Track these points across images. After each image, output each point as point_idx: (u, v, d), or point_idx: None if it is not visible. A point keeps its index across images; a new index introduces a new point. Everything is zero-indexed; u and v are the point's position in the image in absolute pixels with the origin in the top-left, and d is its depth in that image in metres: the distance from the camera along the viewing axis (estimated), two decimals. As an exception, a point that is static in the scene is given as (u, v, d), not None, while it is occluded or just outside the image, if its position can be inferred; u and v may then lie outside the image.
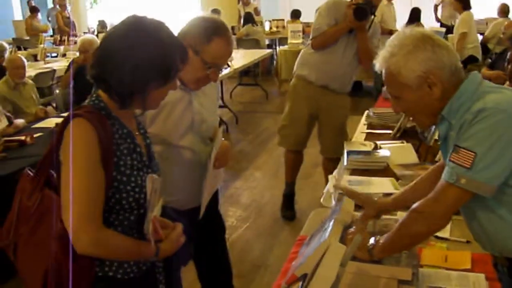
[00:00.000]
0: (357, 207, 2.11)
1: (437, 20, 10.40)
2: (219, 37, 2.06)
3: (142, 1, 17.20)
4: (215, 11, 11.06)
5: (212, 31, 2.05)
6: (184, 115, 2.15)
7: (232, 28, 12.15)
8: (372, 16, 4.03)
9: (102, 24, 13.07)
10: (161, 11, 17.61)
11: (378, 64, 1.66)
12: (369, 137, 3.59)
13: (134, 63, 1.51)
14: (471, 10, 7.04)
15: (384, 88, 5.11)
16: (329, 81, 4.13)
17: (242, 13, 12.36)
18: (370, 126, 3.88)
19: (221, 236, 2.63)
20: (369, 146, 3.29)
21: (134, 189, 1.58)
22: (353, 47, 4.03)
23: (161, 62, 1.54)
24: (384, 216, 2.07)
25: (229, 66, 2.16)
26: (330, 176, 2.81)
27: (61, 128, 1.53)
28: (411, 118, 1.72)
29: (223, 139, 2.29)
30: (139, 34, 1.53)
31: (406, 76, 1.58)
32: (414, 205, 1.62)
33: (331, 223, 1.79)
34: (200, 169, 2.18)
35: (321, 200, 2.60)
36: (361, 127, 3.91)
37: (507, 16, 9.06)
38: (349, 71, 4.18)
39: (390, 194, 2.37)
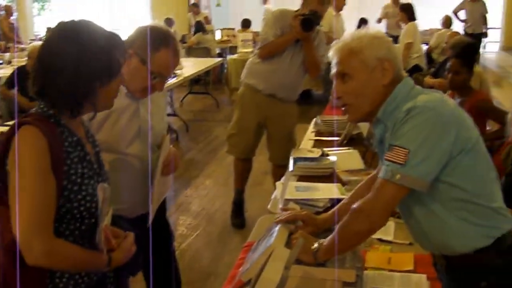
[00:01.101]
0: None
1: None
2: (166, 48, 2.06)
3: (90, 8, 16.96)
4: (168, 20, 11.05)
5: (159, 41, 2.05)
6: (131, 123, 2.14)
7: (183, 36, 12.12)
8: (318, 26, 4.11)
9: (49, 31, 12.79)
10: (110, 19, 17.46)
11: (336, 47, 1.70)
12: (317, 144, 3.65)
13: (72, 69, 1.48)
14: (416, 21, 7.24)
15: (332, 97, 5.22)
16: (276, 90, 4.18)
17: (193, 22, 12.35)
18: (318, 133, 3.94)
19: (169, 244, 2.61)
20: (316, 153, 3.34)
21: (85, 198, 1.55)
22: (300, 57, 4.10)
23: (99, 60, 1.52)
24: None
25: (175, 75, 2.16)
26: (277, 183, 2.83)
27: (8, 136, 1.48)
28: (346, 105, 1.71)
29: (171, 146, 2.28)
30: (70, 38, 1.51)
31: (367, 55, 1.64)
32: (354, 205, 1.66)
33: (277, 228, 1.81)
34: (148, 176, 2.17)
35: (268, 206, 2.61)
36: (309, 135, 3.97)
37: (450, 27, 9.39)
38: (296, 80, 4.24)
39: (337, 199, 2.44)
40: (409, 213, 1.68)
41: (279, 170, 4.33)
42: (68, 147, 1.54)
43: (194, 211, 4.95)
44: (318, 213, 2.32)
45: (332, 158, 3.10)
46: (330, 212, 2.11)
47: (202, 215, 4.84)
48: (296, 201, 2.44)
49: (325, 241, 1.76)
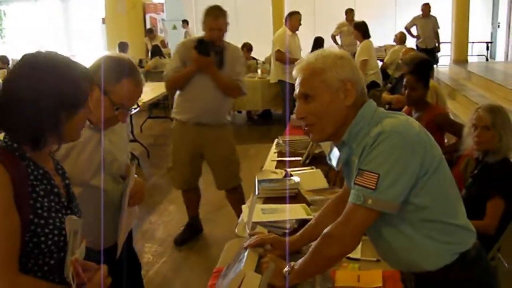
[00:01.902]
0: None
1: (339, 47, 10.85)
2: (128, 78, 2.04)
3: (45, 35, 16.76)
4: (122, 44, 11.00)
5: (121, 72, 2.02)
6: (94, 155, 2.11)
7: (140, 61, 12.06)
8: (228, 43, 4.25)
9: (3, 60, 12.52)
10: (66, 44, 17.28)
11: (299, 67, 1.72)
12: (280, 165, 3.66)
13: (33, 100, 1.45)
14: (371, 39, 7.41)
15: (293, 116, 5.26)
16: (200, 117, 4.23)
17: (150, 46, 12.29)
18: (280, 154, 3.95)
19: (138, 273, 2.57)
20: (280, 174, 3.36)
21: (53, 231, 1.51)
22: (211, 80, 4.13)
23: (63, 92, 1.49)
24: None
25: (138, 106, 2.14)
26: (243, 206, 2.83)
27: None
28: (309, 126, 1.74)
29: (136, 176, 2.26)
30: (34, 70, 1.48)
31: (330, 76, 1.66)
32: (325, 230, 1.67)
33: (246, 253, 1.80)
34: (113, 208, 2.14)
35: (236, 230, 2.60)
36: (272, 155, 3.98)
37: (404, 43, 9.65)
38: (217, 103, 4.25)
39: (304, 219, 2.45)
40: (377, 233, 1.70)
41: (231, 195, 4.52)
42: (34, 181, 1.51)
43: (160, 238, 4.88)
44: (284, 234, 2.33)
45: (296, 178, 3.11)
46: (297, 234, 2.11)
47: (168, 241, 4.77)
48: (263, 224, 2.43)
49: (296, 264, 1.76)
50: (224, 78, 4.10)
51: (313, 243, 1.75)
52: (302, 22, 7.78)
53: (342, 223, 1.63)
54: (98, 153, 2.12)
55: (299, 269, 1.74)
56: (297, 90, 1.73)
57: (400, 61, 6.10)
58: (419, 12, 11.26)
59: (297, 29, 7.68)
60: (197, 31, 16.82)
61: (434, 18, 11.03)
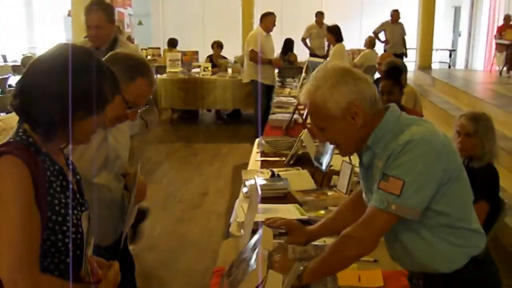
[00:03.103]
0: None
1: (309, 49, 10.96)
2: (142, 77, 2.01)
3: (8, 24, 16.33)
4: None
5: (135, 70, 1.99)
6: (99, 152, 2.08)
7: (107, 56, 11.85)
8: None
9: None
10: (28, 38, 16.85)
11: (303, 97, 1.74)
12: (264, 164, 3.68)
13: (57, 91, 1.43)
14: (343, 42, 7.51)
15: (271, 116, 5.30)
16: None
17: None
18: (263, 154, 3.96)
19: (131, 274, 2.55)
20: (266, 173, 3.38)
21: (71, 229, 1.48)
22: None
23: (87, 92, 1.46)
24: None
25: (147, 104, 2.11)
26: (236, 206, 2.83)
27: None
28: (335, 147, 1.81)
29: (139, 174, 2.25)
30: (64, 61, 1.45)
31: (332, 108, 1.67)
32: (346, 230, 1.70)
33: (256, 251, 1.81)
34: (114, 206, 2.11)
35: (230, 229, 2.61)
36: (255, 155, 3.99)
37: (373, 48, 9.84)
38: None
39: (299, 220, 2.47)
40: (394, 236, 1.74)
41: None
42: (51, 177, 1.48)
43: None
44: (281, 234, 2.35)
45: (285, 179, 3.13)
46: (316, 225, 2.12)
47: (144, 240, 4.72)
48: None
49: (311, 263, 1.77)
50: None
51: (329, 244, 1.78)
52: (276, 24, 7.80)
53: (364, 225, 1.65)
54: (103, 150, 2.09)
55: (314, 268, 1.75)
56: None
57: (377, 65, 6.20)
58: (384, 18, 11.50)
59: (271, 30, 7.71)
60: (163, 26, 16.74)
61: (402, 25, 11.28)
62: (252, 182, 3.04)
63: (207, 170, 6.61)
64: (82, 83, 1.46)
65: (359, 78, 1.70)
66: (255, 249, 1.90)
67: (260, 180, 3.10)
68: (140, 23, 15.78)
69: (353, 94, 1.67)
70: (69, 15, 13.65)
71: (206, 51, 10.74)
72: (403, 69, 4.55)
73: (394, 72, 4.36)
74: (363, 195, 1.87)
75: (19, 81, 1.49)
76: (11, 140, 1.47)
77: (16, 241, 1.34)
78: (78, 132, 1.50)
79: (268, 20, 7.59)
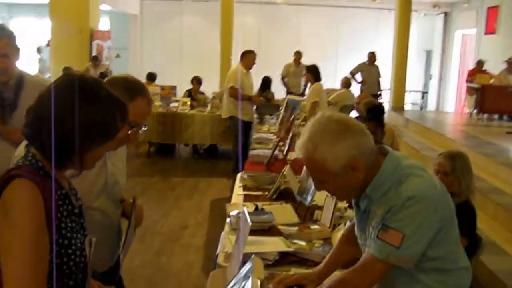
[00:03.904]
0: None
1: (286, 87, 11.17)
2: (142, 96, 2.09)
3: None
4: (68, 70, 10.83)
5: (134, 91, 2.07)
6: (98, 177, 2.12)
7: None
8: None
9: None
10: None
11: (300, 152, 1.75)
12: (247, 198, 3.74)
13: (72, 123, 1.47)
14: (321, 82, 7.70)
15: (252, 152, 5.39)
16: None
17: (92, 73, 12.07)
18: (245, 188, 4.03)
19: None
20: (250, 207, 3.44)
21: (75, 252, 1.52)
22: None
23: (100, 122, 1.51)
24: (295, 271, 2.18)
25: (146, 126, 2.17)
26: (222, 237, 2.88)
27: None
28: (333, 196, 1.89)
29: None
30: (76, 93, 1.50)
31: (332, 165, 1.68)
32: (344, 275, 1.78)
33: (249, 281, 1.86)
34: (112, 232, 2.15)
35: (217, 260, 2.65)
36: (237, 189, 4.05)
37: (349, 88, 10.10)
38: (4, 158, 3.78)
39: (285, 252, 2.55)
40: (389, 282, 1.82)
41: None
42: (58, 200, 1.52)
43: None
44: (268, 265, 2.41)
45: (269, 212, 3.20)
46: (321, 266, 2.16)
47: (123, 273, 4.69)
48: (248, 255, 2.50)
49: None
50: (11, 132, 2.79)
51: (326, 284, 1.83)
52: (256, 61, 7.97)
53: (361, 272, 1.73)
54: (102, 175, 2.14)
55: None
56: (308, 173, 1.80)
57: (354, 105, 6.37)
58: (358, 60, 11.84)
59: (251, 68, 7.88)
60: (141, 60, 16.86)
61: (377, 67, 11.62)
62: (235, 213, 3.12)
63: (185, 204, 6.64)
64: (95, 114, 1.50)
65: (356, 131, 1.71)
66: (246, 279, 1.95)
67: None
68: (117, 56, 15.85)
69: (353, 149, 1.68)
70: (48, 45, 13.68)
71: (183, 86, 10.84)
72: (383, 110, 4.71)
73: (377, 113, 4.51)
74: (356, 233, 1.95)
75: (30, 111, 1.53)
76: (21, 164, 1.52)
77: (28, 262, 1.38)
78: (89, 160, 1.55)
79: (248, 57, 7.75)
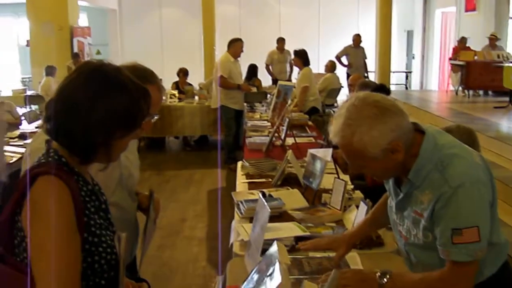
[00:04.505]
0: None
1: (271, 75, 11.12)
2: (152, 84, 2.03)
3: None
4: (50, 68, 10.68)
5: (145, 79, 2.00)
6: (113, 170, 2.06)
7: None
8: None
9: None
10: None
11: (336, 138, 1.68)
12: (252, 186, 3.71)
13: (99, 114, 1.41)
14: (310, 66, 7.67)
15: (249, 140, 5.34)
16: None
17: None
18: (248, 176, 3.99)
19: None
20: (256, 194, 3.41)
21: (106, 250, 1.46)
22: None
23: (127, 110, 1.45)
24: (317, 255, 2.17)
25: (158, 115, 2.12)
26: (236, 226, 2.85)
27: (23, 187, 1.36)
28: (372, 176, 1.84)
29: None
30: (101, 82, 1.44)
31: (372, 150, 1.63)
32: (437, 277, 1.69)
33: (276, 266, 1.84)
34: (129, 225, 2.11)
35: (233, 249, 2.62)
36: (240, 177, 4.01)
37: (334, 72, 10.08)
38: None
39: (301, 237, 2.53)
40: (430, 264, 1.77)
41: None
42: (85, 197, 1.46)
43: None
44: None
45: (278, 198, 3.18)
46: (354, 228, 2.16)
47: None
48: (266, 242, 2.47)
49: (395, 279, 1.72)
50: None
51: (420, 275, 1.76)
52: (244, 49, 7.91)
53: (454, 283, 1.65)
54: (116, 169, 2.08)
55: (400, 286, 1.72)
56: (345, 158, 1.74)
57: (349, 87, 6.33)
58: (342, 44, 11.81)
59: (239, 56, 7.81)
60: (121, 55, 16.67)
61: (363, 49, 11.61)
62: (243, 201, 3.09)
63: (182, 196, 6.59)
64: (123, 101, 1.45)
65: (394, 112, 1.64)
66: (272, 264, 1.93)
67: (254, 201, 3.14)
68: (98, 52, 15.66)
69: (392, 132, 1.62)
70: (27, 45, 13.48)
71: (166, 79, 10.72)
72: (389, 91, 4.66)
73: (384, 91, 4.48)
74: (390, 212, 1.93)
75: (51, 105, 1.45)
76: (43, 161, 1.45)
77: (62, 262, 1.32)
78: (115, 151, 1.50)
79: (236, 46, 7.69)
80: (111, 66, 1.51)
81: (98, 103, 1.42)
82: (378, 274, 1.71)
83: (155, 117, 2.07)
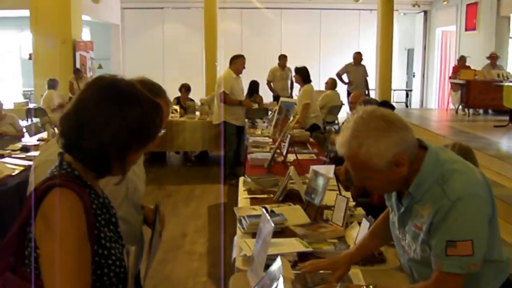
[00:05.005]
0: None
1: (272, 91, 11.16)
2: (161, 99, 2.05)
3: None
4: (52, 81, 10.73)
5: (154, 93, 2.02)
6: (120, 184, 2.09)
7: (70, 99, 11.66)
8: None
9: None
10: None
11: (342, 150, 1.72)
12: (254, 202, 3.73)
13: (114, 129, 1.43)
14: (311, 83, 7.71)
15: (251, 155, 5.37)
16: None
17: (76, 85, 11.91)
18: (250, 191, 4.01)
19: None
20: (259, 210, 3.43)
21: (115, 262, 1.48)
22: None
23: (141, 124, 1.48)
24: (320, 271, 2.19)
25: (165, 129, 2.15)
26: (238, 241, 2.86)
27: (37, 199, 1.37)
28: (374, 190, 1.89)
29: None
30: (115, 97, 1.46)
31: (377, 162, 1.67)
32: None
33: (280, 281, 1.85)
34: (135, 239, 2.12)
35: (235, 264, 2.64)
36: (242, 193, 4.02)
37: (335, 89, 10.15)
38: None
39: (303, 253, 2.55)
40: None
41: None
42: (97, 210, 1.48)
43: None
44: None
45: (280, 214, 3.20)
46: (352, 249, 2.18)
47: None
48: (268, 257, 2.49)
49: None
50: None
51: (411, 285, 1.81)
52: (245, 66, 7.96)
53: None
54: (123, 183, 2.10)
55: None
56: (350, 170, 1.77)
57: (349, 105, 6.38)
58: (343, 61, 11.90)
59: (241, 72, 7.87)
60: (123, 69, 16.75)
61: (364, 66, 11.67)
62: (246, 216, 3.11)
63: (183, 211, 6.60)
64: (138, 116, 1.47)
65: (399, 126, 1.69)
66: (275, 279, 1.95)
67: (257, 216, 3.15)
68: (100, 66, 15.74)
69: (397, 146, 1.67)
70: (30, 58, 13.55)
71: (167, 94, 10.68)
72: (393, 107, 4.70)
73: (388, 107, 4.52)
74: (392, 227, 1.95)
75: (65, 120, 1.47)
76: (56, 173, 1.46)
77: (73, 274, 1.33)
78: (129, 164, 1.53)
79: (238, 62, 7.75)
80: (124, 81, 1.53)
81: (112, 118, 1.44)
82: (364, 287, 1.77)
83: (163, 131, 2.10)
